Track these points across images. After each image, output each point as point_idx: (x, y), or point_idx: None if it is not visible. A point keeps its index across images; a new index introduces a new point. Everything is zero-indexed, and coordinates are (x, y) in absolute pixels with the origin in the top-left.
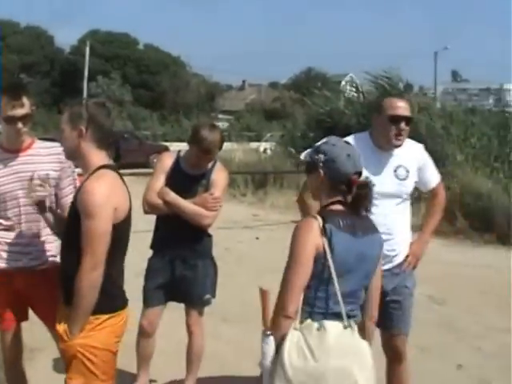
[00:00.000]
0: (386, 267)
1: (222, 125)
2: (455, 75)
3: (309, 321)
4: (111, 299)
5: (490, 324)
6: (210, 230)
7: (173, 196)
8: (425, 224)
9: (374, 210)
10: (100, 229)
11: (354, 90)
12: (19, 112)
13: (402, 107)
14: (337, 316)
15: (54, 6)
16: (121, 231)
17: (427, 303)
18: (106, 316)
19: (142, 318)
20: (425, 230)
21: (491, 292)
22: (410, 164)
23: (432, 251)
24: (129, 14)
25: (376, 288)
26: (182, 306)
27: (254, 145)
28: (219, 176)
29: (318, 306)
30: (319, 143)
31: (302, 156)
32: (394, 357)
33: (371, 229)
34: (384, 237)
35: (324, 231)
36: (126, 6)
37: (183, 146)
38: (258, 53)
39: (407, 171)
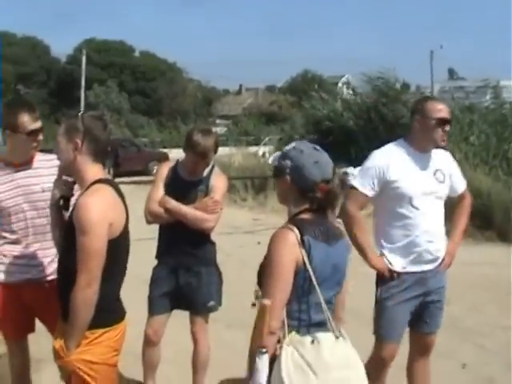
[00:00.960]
0: (431, 267)
1: (220, 130)
2: (452, 73)
3: (294, 333)
4: (107, 314)
5: (493, 322)
6: (212, 236)
7: (174, 203)
8: (455, 225)
9: (415, 210)
10: (95, 245)
11: (350, 92)
12: (38, 124)
13: (445, 110)
14: (319, 325)
15: (49, 15)
16: (117, 246)
17: None
18: (102, 330)
19: (147, 327)
20: (457, 231)
21: (493, 289)
22: (445, 168)
23: None
24: (124, 22)
25: (345, 291)
26: (186, 313)
27: (252, 149)
28: (218, 180)
29: (303, 319)
30: (287, 148)
31: (270, 160)
32: (425, 351)
33: (339, 235)
34: (427, 237)
35: (302, 243)
36: (122, 14)
37: (182, 153)
38: (254, 57)
39: (444, 175)
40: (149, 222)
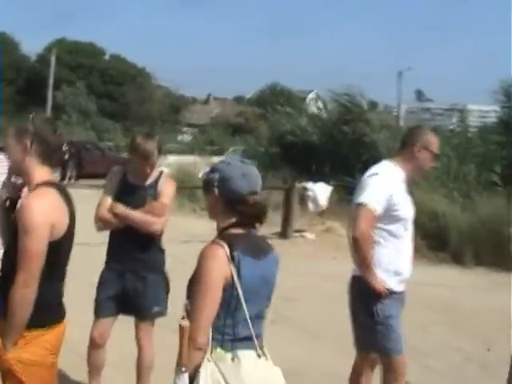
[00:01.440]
0: (402, 289)
1: (186, 138)
2: (420, 94)
3: (219, 350)
4: (46, 314)
5: (441, 342)
6: (170, 243)
7: (122, 208)
8: None
9: (406, 234)
10: (35, 246)
11: (318, 107)
12: None
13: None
14: (246, 340)
15: (20, 12)
16: (59, 248)
17: None
18: (40, 330)
19: (93, 330)
20: None
21: (445, 311)
22: None
23: None
24: (95, 24)
25: None
26: (132, 318)
27: (216, 159)
28: (166, 185)
29: (228, 333)
30: (216, 162)
31: (201, 175)
32: (373, 365)
33: (268, 248)
34: (409, 258)
35: (232, 259)
36: (93, 16)
37: None
38: (223, 67)
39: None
40: (99, 229)
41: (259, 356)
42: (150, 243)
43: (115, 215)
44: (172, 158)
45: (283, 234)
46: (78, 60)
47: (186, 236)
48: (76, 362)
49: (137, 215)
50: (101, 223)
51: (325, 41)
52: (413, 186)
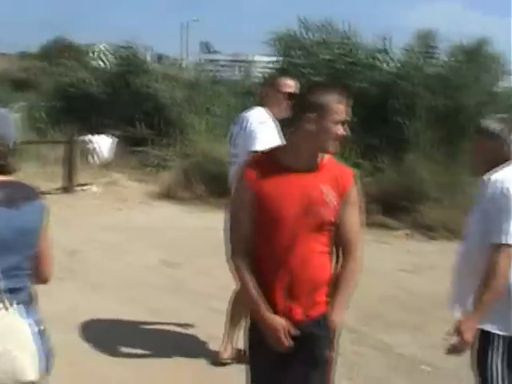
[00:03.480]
0: None
1: None
2: (207, 46)
3: None
4: None
5: (222, 284)
6: None
7: None
8: None
9: None
10: None
11: (102, 59)
12: None
13: None
14: None
15: None
16: None
17: (160, 267)
18: None
19: None
20: None
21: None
22: None
23: (169, 217)
24: None
25: (46, 249)
26: None
27: None
28: None
29: None
30: None
31: None
32: None
33: (31, 197)
34: None
35: None
36: None
37: None
38: (5, 21)
39: None
40: None
41: (5, 309)
42: None
43: None
44: None
45: (66, 189)
46: None
47: None
48: None
49: None
50: None
51: None
52: (194, 134)
